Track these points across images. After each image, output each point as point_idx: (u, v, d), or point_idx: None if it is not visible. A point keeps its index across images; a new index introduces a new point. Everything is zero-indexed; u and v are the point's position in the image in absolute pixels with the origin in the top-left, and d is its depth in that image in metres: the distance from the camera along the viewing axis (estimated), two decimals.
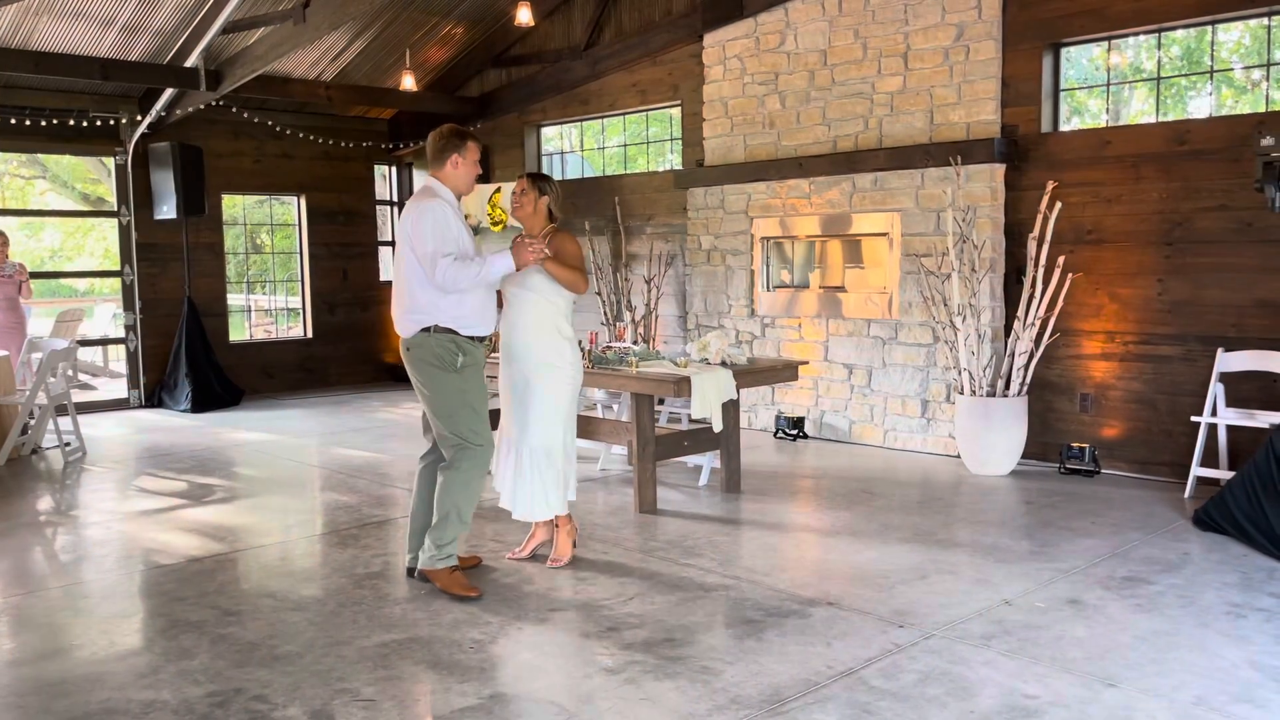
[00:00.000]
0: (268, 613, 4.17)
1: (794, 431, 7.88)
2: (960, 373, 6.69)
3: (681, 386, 5.34)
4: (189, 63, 8.96)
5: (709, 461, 6.40)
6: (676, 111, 9.35)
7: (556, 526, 4.78)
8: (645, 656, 3.64)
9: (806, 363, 6.64)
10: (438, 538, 4.37)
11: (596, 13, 9.62)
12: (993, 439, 6.51)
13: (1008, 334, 6.86)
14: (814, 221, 7.89)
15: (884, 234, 7.46)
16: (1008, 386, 6.62)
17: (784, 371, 6.03)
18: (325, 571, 4.76)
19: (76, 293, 17.08)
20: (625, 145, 10.14)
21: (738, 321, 8.46)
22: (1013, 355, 6.59)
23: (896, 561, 4.75)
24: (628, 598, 4.28)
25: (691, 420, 6.49)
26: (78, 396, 11.18)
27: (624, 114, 9.87)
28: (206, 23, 8.62)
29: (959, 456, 6.87)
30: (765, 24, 8.17)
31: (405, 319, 4.37)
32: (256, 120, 10.65)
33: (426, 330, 4.33)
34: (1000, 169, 6.92)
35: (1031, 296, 6.55)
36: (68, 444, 7.89)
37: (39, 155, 14.43)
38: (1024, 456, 6.70)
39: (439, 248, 4.23)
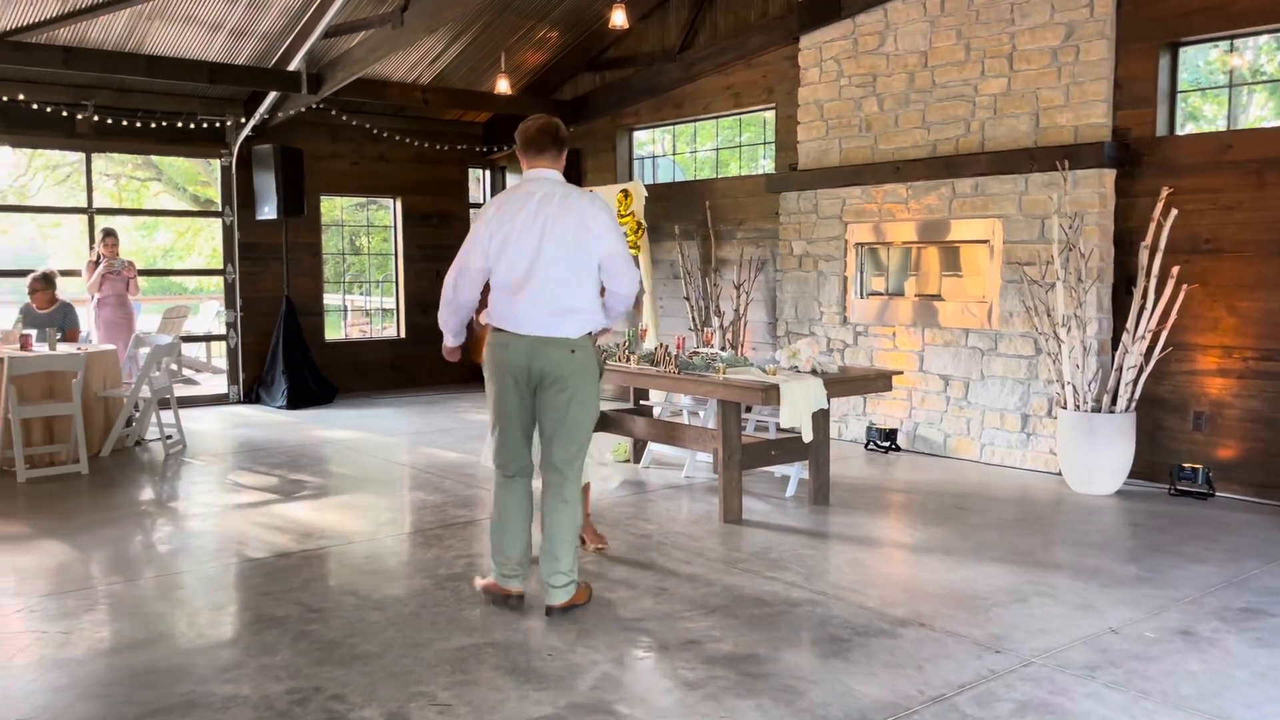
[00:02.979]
0: (349, 611, 4.18)
1: (886, 444, 7.66)
2: (1064, 386, 6.40)
3: (770, 395, 5.21)
4: (292, 66, 9.16)
5: (797, 472, 6.24)
6: (770, 115, 9.21)
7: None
8: (726, 672, 3.53)
9: (901, 373, 6.44)
10: (569, 568, 4.05)
11: (691, 15, 9.55)
12: (1097, 456, 6.22)
13: (1115, 347, 6.55)
14: (910, 227, 7.67)
15: (984, 241, 7.20)
16: (1114, 402, 6.31)
17: (877, 381, 5.85)
18: (408, 571, 4.76)
19: (186, 290, 17.68)
20: (718, 149, 10.03)
21: (829, 329, 8.28)
22: (1120, 369, 6.29)
23: (992, 582, 4.54)
24: (709, 610, 4.17)
25: (779, 429, 6.35)
26: (180, 391, 11.55)
27: (717, 117, 9.76)
28: (310, 27, 8.80)
29: (1060, 474, 6.58)
30: (864, 25, 7.98)
31: (569, 319, 3.93)
32: (355, 123, 10.85)
33: (589, 334, 4.03)
34: (1110, 174, 6.62)
35: (1142, 308, 6.24)
36: (169, 437, 8.11)
37: (153, 158, 14.96)
38: (1131, 476, 6.37)
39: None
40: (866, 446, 7.78)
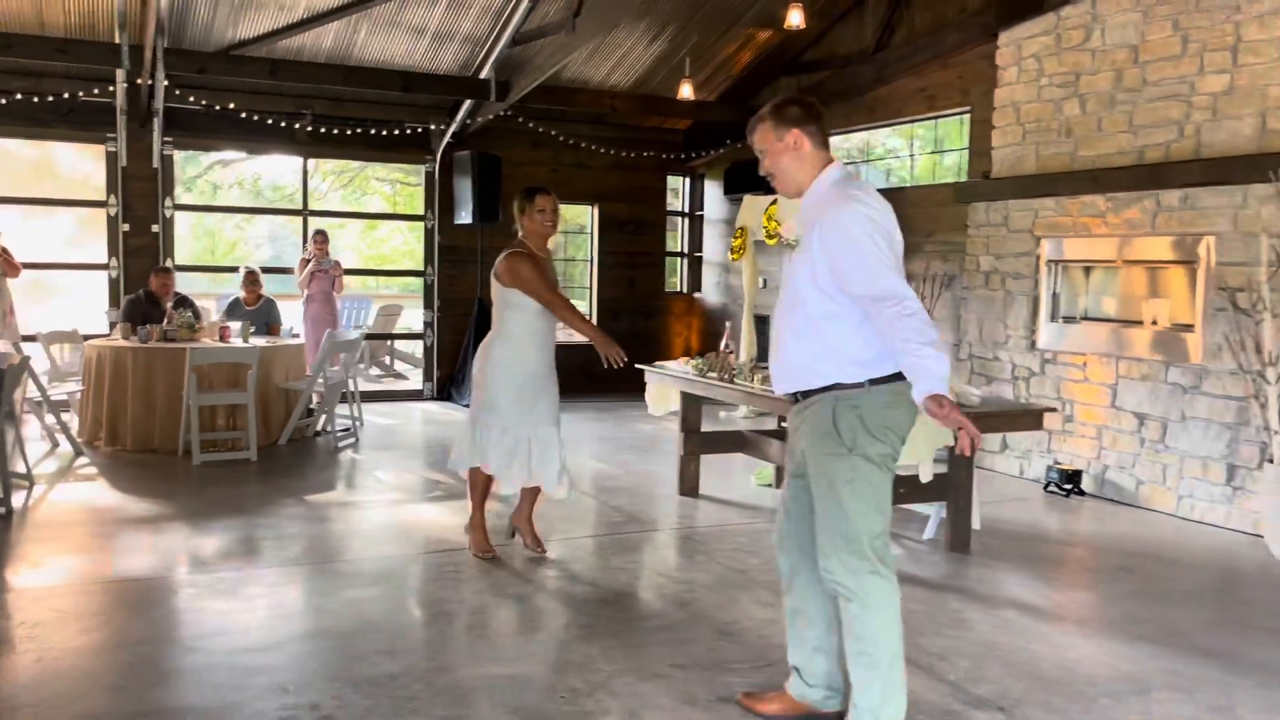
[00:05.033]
0: (396, 626, 4.10)
1: (1068, 487, 6.80)
2: (1272, 435, 5.41)
3: None
4: (483, 75, 9.39)
5: (936, 513, 5.63)
6: (966, 118, 8.47)
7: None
8: None
9: (1054, 410, 5.66)
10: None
11: (887, 13, 8.96)
12: None
13: None
14: (1109, 244, 6.78)
15: (1191, 262, 6.24)
16: None
17: (1022, 419, 5.15)
18: (477, 586, 4.64)
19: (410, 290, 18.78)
20: (912, 155, 9.36)
21: (1015, 354, 7.48)
22: None
23: (1118, 666, 3.84)
24: (764, 664, 3.75)
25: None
26: (388, 385, 12.16)
27: (911, 121, 9.11)
28: (500, 34, 9.00)
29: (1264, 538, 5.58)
30: (1068, 18, 7.14)
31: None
32: (553, 132, 10.99)
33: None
34: None
35: None
36: (345, 429, 8.50)
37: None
38: None
39: None
40: (1045, 488, 6.95)
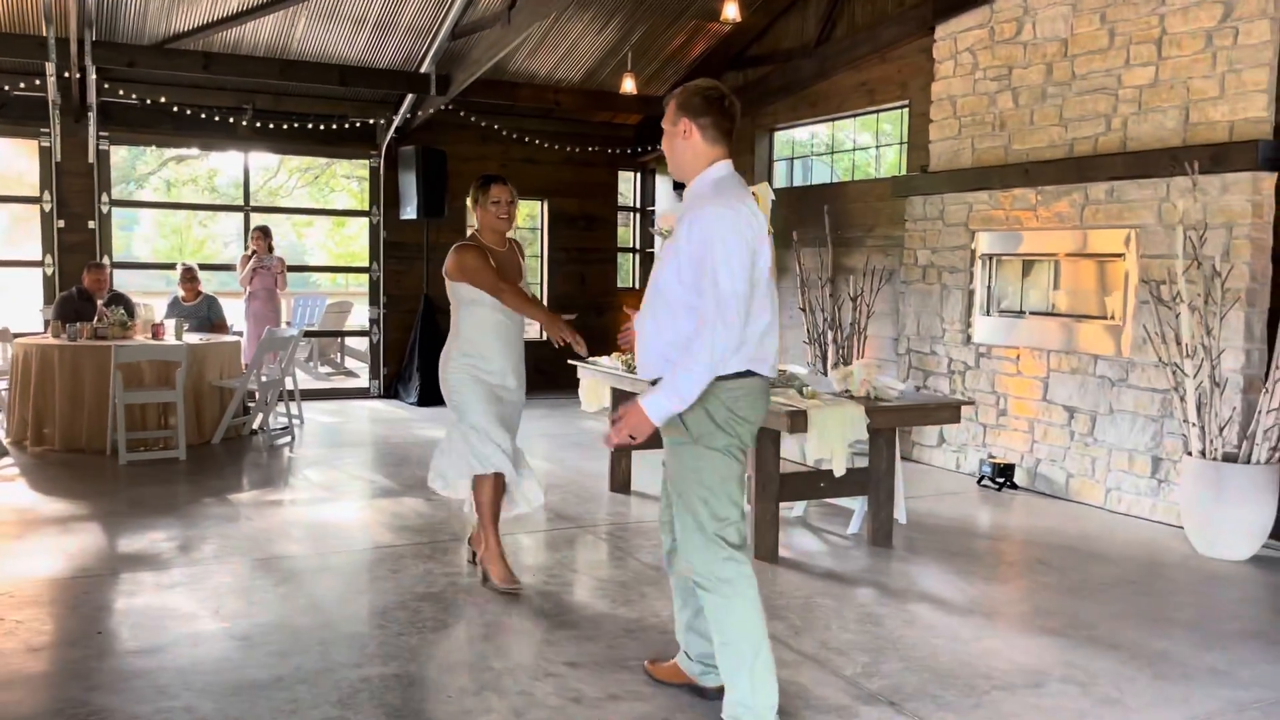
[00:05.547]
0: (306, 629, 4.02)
1: (1000, 480, 6.80)
2: (1190, 428, 5.42)
3: (797, 421, 4.65)
4: (423, 69, 9.29)
5: (860, 508, 5.60)
6: (904, 112, 8.46)
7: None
8: None
9: (971, 402, 5.68)
10: None
11: (829, 7, 8.94)
12: (1227, 513, 5.21)
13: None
14: (1039, 237, 6.79)
15: (1118, 255, 6.25)
16: (1253, 451, 5.27)
17: (938, 412, 5.14)
18: (385, 586, 4.57)
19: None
20: (855, 149, 9.35)
21: (951, 348, 7.47)
22: (1261, 412, 5.24)
23: (1018, 659, 3.82)
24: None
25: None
26: (339, 382, 12.04)
27: (853, 115, 9.09)
28: (439, 27, 8.92)
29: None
30: (1001, 11, 7.14)
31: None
32: (497, 126, 10.89)
33: None
34: (1270, 178, 5.55)
35: None
36: (284, 427, 8.40)
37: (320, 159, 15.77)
38: (1274, 538, 5.32)
39: None
40: (979, 482, 6.95)
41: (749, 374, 2.99)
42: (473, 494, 4.54)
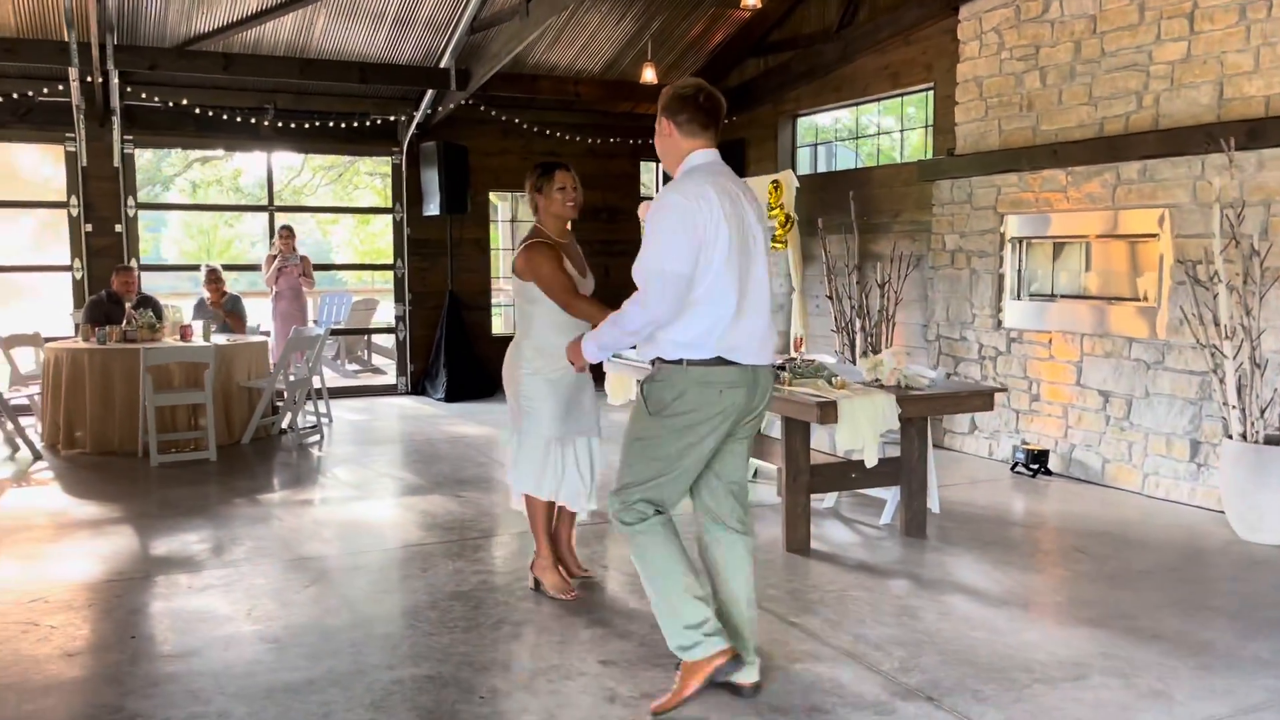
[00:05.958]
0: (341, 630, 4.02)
1: (1034, 467, 6.70)
2: (1230, 410, 5.31)
3: (827, 412, 4.59)
4: (442, 64, 9.26)
5: (893, 497, 5.53)
6: (930, 95, 8.35)
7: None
8: None
9: (1004, 389, 5.59)
10: None
11: None
12: (1269, 498, 5.10)
13: None
14: (1070, 219, 6.67)
15: (1152, 235, 6.13)
16: None
17: (970, 400, 5.05)
18: (415, 585, 4.56)
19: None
20: (879, 134, 9.24)
21: (981, 334, 7.37)
22: None
23: (1058, 651, 3.75)
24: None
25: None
26: (367, 380, 12.07)
27: (877, 99, 8.98)
28: (459, 23, 8.89)
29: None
30: None
31: (773, 338, 3.41)
32: (518, 120, 10.86)
33: None
34: None
35: None
36: (312, 426, 8.42)
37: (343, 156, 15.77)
38: None
39: None
40: (1013, 469, 6.85)
41: (721, 361, 3.14)
42: (525, 504, 4.43)
